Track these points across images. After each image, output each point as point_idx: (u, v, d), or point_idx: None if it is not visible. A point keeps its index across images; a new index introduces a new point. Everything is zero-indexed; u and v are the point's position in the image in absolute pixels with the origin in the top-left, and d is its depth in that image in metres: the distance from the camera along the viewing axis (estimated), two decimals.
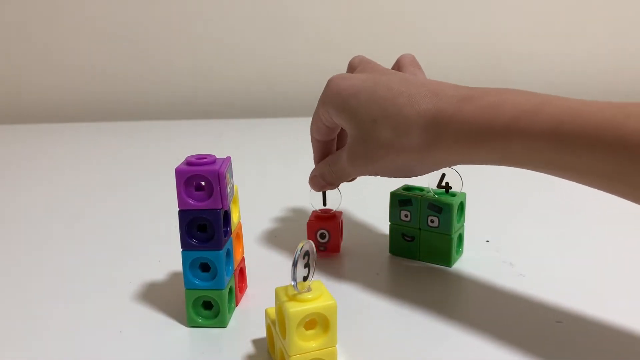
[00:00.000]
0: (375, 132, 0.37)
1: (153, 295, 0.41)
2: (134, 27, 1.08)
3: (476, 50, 1.11)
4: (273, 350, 0.33)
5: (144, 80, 1.10)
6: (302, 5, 1.07)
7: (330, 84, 0.40)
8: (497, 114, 0.33)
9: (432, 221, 0.44)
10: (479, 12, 1.09)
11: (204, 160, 0.35)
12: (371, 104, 0.37)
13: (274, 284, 0.32)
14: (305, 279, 0.30)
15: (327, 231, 0.46)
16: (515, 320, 0.37)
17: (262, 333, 0.35)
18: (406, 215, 0.45)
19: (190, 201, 0.34)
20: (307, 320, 0.30)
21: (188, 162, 0.35)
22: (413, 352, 0.34)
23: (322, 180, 0.44)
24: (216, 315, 0.36)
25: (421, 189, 0.46)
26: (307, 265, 0.30)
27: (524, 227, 0.52)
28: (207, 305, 0.36)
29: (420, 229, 0.45)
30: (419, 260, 0.45)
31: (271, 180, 0.70)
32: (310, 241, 0.30)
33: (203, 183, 0.35)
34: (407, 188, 0.46)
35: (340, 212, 0.48)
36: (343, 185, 0.46)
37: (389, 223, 0.46)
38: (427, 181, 0.44)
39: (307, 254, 0.30)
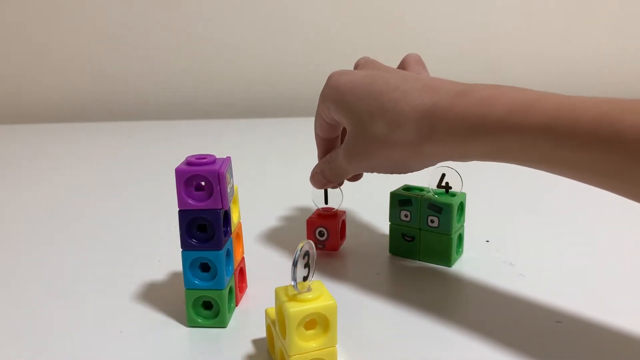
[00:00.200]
0: (371, 126, 0.37)
1: (153, 295, 0.41)
2: (134, 27, 1.08)
3: (476, 50, 1.11)
4: (273, 350, 0.33)
5: (144, 80, 1.10)
6: (302, 5, 1.07)
7: (329, 79, 0.41)
8: (492, 108, 0.32)
9: (432, 221, 0.44)
10: (478, 12, 1.09)
11: (204, 160, 0.35)
12: (368, 98, 0.38)
13: (274, 284, 0.32)
14: (305, 279, 0.30)
15: (326, 229, 0.46)
16: (515, 320, 0.37)
17: (262, 333, 0.35)
18: (406, 215, 0.45)
19: (190, 201, 0.34)
20: (307, 320, 0.30)
21: (188, 162, 0.35)
22: (413, 352, 0.34)
23: (322, 178, 0.44)
24: (216, 315, 0.36)
25: (421, 189, 0.46)
26: (307, 265, 0.30)
27: (524, 227, 0.52)
28: (207, 305, 0.36)
29: (420, 229, 0.45)
30: (419, 260, 0.45)
31: (271, 180, 0.70)
32: (310, 241, 0.30)
33: (203, 183, 0.35)
34: (407, 188, 0.46)
35: (344, 212, 0.48)
36: (345, 185, 0.46)
37: (389, 223, 0.46)
38: (427, 181, 0.44)
39: (307, 254, 0.30)
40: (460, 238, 0.46)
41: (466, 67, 1.10)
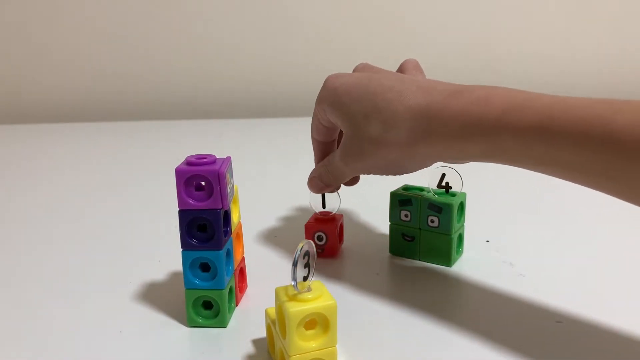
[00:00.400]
0: (366, 127, 0.38)
1: (153, 295, 0.41)
2: (134, 27, 1.08)
3: (476, 50, 1.11)
4: (273, 350, 0.33)
5: (144, 80, 1.10)
6: (302, 5, 1.07)
7: (325, 82, 0.41)
8: (486, 109, 0.33)
9: (432, 221, 0.44)
10: (478, 13, 1.09)
11: (204, 160, 0.35)
12: (363, 99, 0.38)
13: (274, 284, 0.32)
14: (305, 279, 0.30)
15: (325, 234, 0.46)
16: (515, 320, 0.37)
17: (262, 333, 0.35)
18: (406, 215, 0.45)
19: (190, 201, 0.34)
20: (307, 320, 0.30)
21: (188, 162, 0.35)
22: (413, 352, 0.34)
23: (320, 182, 0.44)
24: (216, 315, 0.36)
25: (421, 189, 0.46)
26: (307, 265, 0.30)
27: (524, 227, 0.52)
28: (207, 305, 0.36)
29: (420, 229, 0.45)
30: (419, 260, 0.45)
31: (271, 180, 0.70)
32: (310, 241, 0.30)
33: (203, 183, 0.35)
34: (407, 188, 0.46)
35: (341, 216, 0.48)
36: (344, 189, 0.46)
37: (389, 223, 0.46)
38: (427, 181, 0.44)
39: (307, 254, 0.30)
40: (460, 238, 0.46)
41: (466, 67, 1.10)
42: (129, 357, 0.34)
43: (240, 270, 0.40)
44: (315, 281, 0.31)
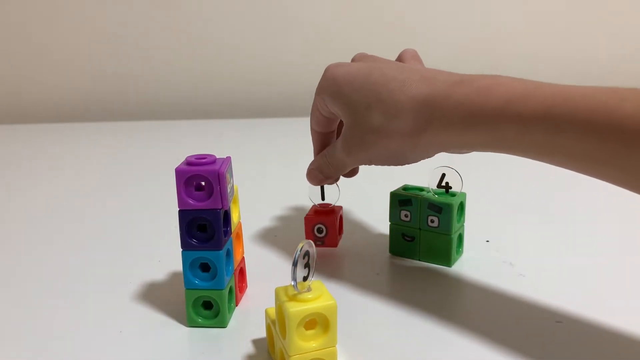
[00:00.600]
0: (368, 117, 0.37)
1: (153, 295, 0.41)
2: (134, 27, 1.08)
3: (476, 50, 1.11)
4: (273, 350, 0.33)
5: (144, 80, 1.10)
6: (302, 5, 1.07)
7: (326, 72, 0.41)
8: (489, 97, 0.32)
9: (432, 221, 0.44)
10: (478, 12, 1.09)
11: (204, 160, 0.35)
12: (365, 89, 0.38)
13: (274, 284, 0.32)
14: (305, 279, 0.30)
15: (325, 226, 0.46)
16: (515, 320, 0.37)
17: (262, 333, 0.35)
18: (406, 215, 0.45)
19: (190, 201, 0.34)
20: (307, 320, 0.30)
21: (188, 162, 0.35)
22: (413, 352, 0.34)
23: (320, 174, 0.44)
24: (216, 315, 0.36)
25: (421, 189, 0.46)
26: (307, 265, 0.30)
27: (524, 227, 0.52)
28: (207, 305, 0.36)
29: (420, 229, 0.45)
30: (419, 260, 0.45)
31: (271, 180, 0.70)
32: (310, 241, 0.30)
33: (203, 183, 0.35)
34: (407, 188, 0.46)
35: (340, 207, 0.48)
36: (343, 183, 0.46)
37: (389, 223, 0.46)
38: (427, 181, 0.44)
39: (307, 254, 0.30)
40: (460, 238, 0.46)
41: (466, 67, 1.10)
42: (129, 357, 0.34)
43: (240, 270, 0.40)
44: (315, 281, 0.31)
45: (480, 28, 1.10)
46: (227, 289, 0.36)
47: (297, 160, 0.76)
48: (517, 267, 0.44)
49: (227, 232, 0.36)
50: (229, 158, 0.37)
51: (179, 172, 0.34)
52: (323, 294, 0.30)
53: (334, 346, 0.30)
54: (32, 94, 1.11)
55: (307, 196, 0.47)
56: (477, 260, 0.45)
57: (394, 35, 1.09)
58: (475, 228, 0.48)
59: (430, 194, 0.44)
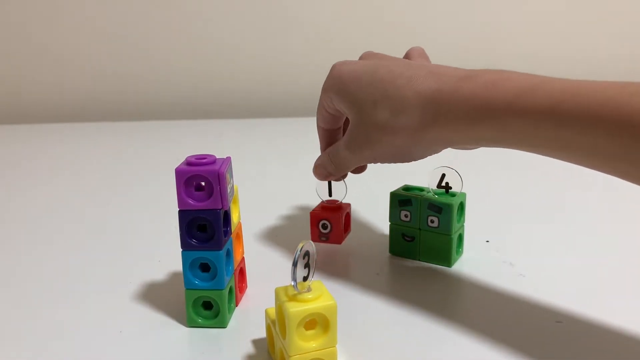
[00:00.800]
0: (373, 114, 0.37)
1: (153, 295, 0.41)
2: (134, 27, 1.08)
3: (476, 50, 1.11)
4: (273, 350, 0.33)
5: (144, 80, 1.10)
6: (302, 5, 1.07)
7: (332, 70, 0.41)
8: (497, 92, 0.32)
9: (432, 221, 0.44)
10: (478, 13, 1.09)
11: (204, 161, 0.35)
12: (371, 86, 0.38)
13: (274, 284, 0.32)
14: (305, 279, 0.30)
15: (330, 222, 0.46)
16: (515, 320, 0.37)
17: (262, 333, 0.35)
18: (406, 215, 0.45)
19: (190, 201, 0.34)
20: (307, 320, 0.30)
21: (188, 162, 0.35)
22: (413, 352, 0.34)
23: (324, 170, 0.44)
24: (216, 315, 0.36)
25: (421, 189, 0.46)
26: (307, 266, 0.30)
27: (524, 227, 0.52)
28: (207, 305, 0.36)
29: (420, 229, 0.45)
30: (419, 260, 0.45)
31: (271, 180, 0.70)
32: (311, 241, 0.30)
33: (203, 183, 0.35)
34: (407, 188, 0.46)
35: (348, 204, 0.48)
36: (351, 180, 0.46)
37: (389, 223, 0.46)
38: (427, 181, 0.44)
39: (307, 254, 0.30)
40: (460, 238, 0.46)
41: (466, 67, 1.10)
42: (129, 357, 0.34)
43: (240, 270, 0.40)
44: (315, 281, 0.31)
45: (480, 28, 1.10)
46: (227, 289, 0.36)
47: (297, 160, 0.77)
48: (517, 267, 0.44)
49: (227, 232, 0.36)
50: (229, 158, 0.37)
51: (179, 172, 0.34)
52: (323, 294, 0.30)
53: (334, 346, 0.30)
54: (32, 94, 1.11)
55: (315, 191, 0.47)
56: (477, 260, 0.45)
57: (394, 35, 1.09)
58: (475, 228, 0.48)
59: (430, 194, 0.44)
